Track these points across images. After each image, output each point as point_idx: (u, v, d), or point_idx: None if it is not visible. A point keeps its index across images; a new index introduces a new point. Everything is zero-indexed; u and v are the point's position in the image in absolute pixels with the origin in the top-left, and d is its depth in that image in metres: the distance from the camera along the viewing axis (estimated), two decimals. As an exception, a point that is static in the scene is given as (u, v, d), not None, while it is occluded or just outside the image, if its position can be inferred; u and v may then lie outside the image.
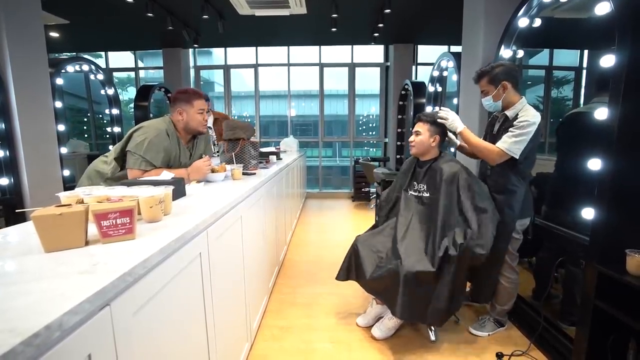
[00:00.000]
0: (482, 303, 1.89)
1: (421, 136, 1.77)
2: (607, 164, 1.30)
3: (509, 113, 1.64)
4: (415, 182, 1.85)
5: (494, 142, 1.68)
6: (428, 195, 1.77)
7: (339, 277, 1.86)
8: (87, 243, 0.78)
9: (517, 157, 1.57)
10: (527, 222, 1.76)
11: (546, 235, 1.86)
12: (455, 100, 3.17)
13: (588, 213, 1.45)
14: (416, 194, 1.83)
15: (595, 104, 1.69)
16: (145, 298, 0.72)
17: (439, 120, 1.75)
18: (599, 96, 1.67)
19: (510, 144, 1.55)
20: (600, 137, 1.34)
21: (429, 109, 4.30)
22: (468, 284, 2.12)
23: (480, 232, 1.58)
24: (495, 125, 1.76)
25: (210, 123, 2.82)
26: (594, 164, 1.40)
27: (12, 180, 2.34)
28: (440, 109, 1.76)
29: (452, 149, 1.91)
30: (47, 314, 0.48)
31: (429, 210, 1.73)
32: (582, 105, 1.96)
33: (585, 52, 2.14)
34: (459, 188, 1.66)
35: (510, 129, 1.58)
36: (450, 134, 1.83)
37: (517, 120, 1.57)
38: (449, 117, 1.71)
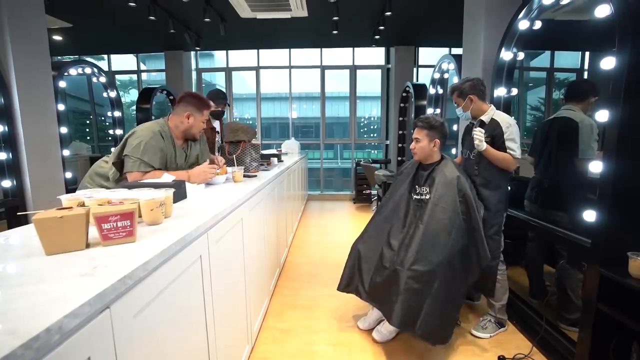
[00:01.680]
0: (488, 296, 1.89)
1: (421, 143, 1.78)
2: (608, 166, 1.29)
3: (484, 118, 1.83)
4: (417, 186, 1.86)
5: (473, 146, 1.81)
6: (429, 198, 1.77)
7: (339, 288, 1.91)
8: (88, 246, 0.79)
9: (520, 157, 1.77)
10: (505, 215, 1.88)
11: (544, 236, 1.89)
12: (456, 102, 3.17)
13: (589, 215, 1.44)
14: (418, 197, 1.83)
15: (563, 110, 1.88)
16: (145, 301, 0.72)
17: (476, 142, 1.76)
18: (568, 104, 1.87)
19: (518, 150, 1.75)
20: (571, 140, 1.54)
21: (429, 111, 4.30)
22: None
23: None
24: (473, 129, 1.86)
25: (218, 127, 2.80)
26: (595, 166, 1.40)
27: (15, 182, 2.35)
28: (476, 131, 1.79)
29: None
30: (47, 316, 0.48)
31: (430, 213, 1.73)
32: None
33: (587, 54, 2.14)
34: (466, 197, 1.68)
35: (506, 137, 1.75)
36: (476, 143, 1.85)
37: (503, 128, 1.75)
38: (482, 138, 1.78)
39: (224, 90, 4.20)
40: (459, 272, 1.63)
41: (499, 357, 1.66)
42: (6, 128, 2.30)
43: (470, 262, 1.68)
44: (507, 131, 1.73)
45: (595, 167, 1.40)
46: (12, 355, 0.41)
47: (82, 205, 0.89)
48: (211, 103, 1.76)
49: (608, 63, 1.33)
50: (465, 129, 2.01)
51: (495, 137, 1.76)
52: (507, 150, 1.74)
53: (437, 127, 1.77)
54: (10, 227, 2.31)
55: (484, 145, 1.76)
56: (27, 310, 0.50)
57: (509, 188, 1.89)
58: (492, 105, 1.87)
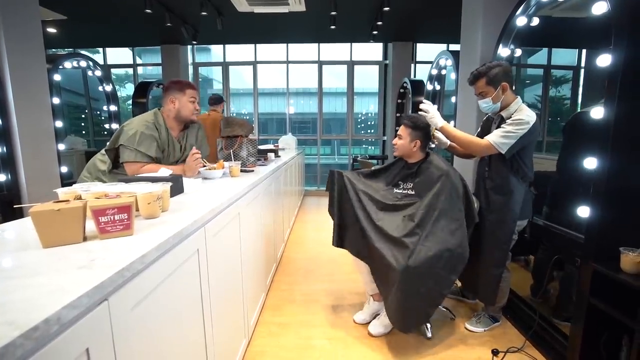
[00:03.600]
0: (488, 305, 1.88)
1: (402, 140, 1.80)
2: (602, 162, 1.31)
3: (505, 114, 1.63)
4: (401, 182, 1.87)
5: None
6: (413, 193, 1.78)
7: (335, 243, 1.93)
8: (85, 239, 0.79)
9: (503, 153, 1.57)
10: (525, 224, 1.77)
11: (546, 234, 1.87)
12: (453, 99, 3.18)
13: (583, 211, 1.46)
14: (401, 191, 1.84)
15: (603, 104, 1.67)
16: (143, 293, 0.73)
17: (420, 112, 1.76)
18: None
19: (498, 138, 1.55)
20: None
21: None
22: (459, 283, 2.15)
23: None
24: (492, 127, 1.75)
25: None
26: (590, 163, 1.41)
27: (9, 176, 2.33)
28: (423, 101, 1.76)
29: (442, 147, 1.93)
30: (46, 307, 0.48)
31: (411, 210, 1.74)
32: (586, 106, 1.96)
33: (584, 51, 2.15)
34: (453, 193, 1.66)
35: (503, 125, 1.59)
36: (440, 135, 1.83)
37: (511, 118, 1.58)
38: (430, 110, 1.70)
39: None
40: (443, 269, 1.61)
41: (492, 351, 1.69)
42: (0, 122, 2.27)
43: (456, 259, 1.64)
44: (509, 121, 1.55)
45: (590, 163, 1.42)
46: (11, 344, 0.41)
47: (79, 198, 0.88)
48: (194, 85, 1.78)
49: (604, 60, 1.34)
50: (483, 124, 1.87)
51: None
52: (489, 134, 1.56)
53: (421, 129, 1.76)
54: (5, 221, 2.29)
55: (437, 121, 1.61)
56: (26, 302, 0.50)
57: (532, 195, 1.72)
58: (519, 97, 1.62)
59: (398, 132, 1.83)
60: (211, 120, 3.34)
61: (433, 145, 1.89)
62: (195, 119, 1.81)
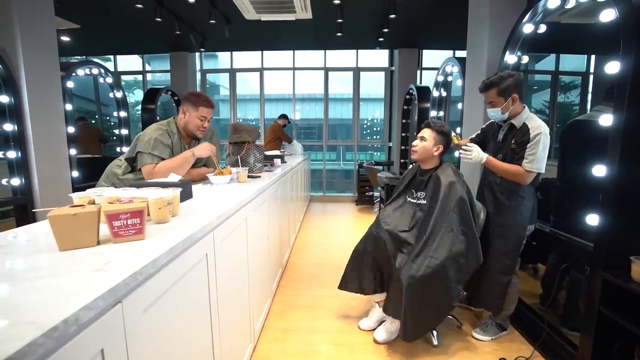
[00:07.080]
0: (495, 314, 1.85)
1: (425, 142, 1.78)
2: (611, 170, 1.30)
3: (516, 122, 1.66)
4: (414, 190, 1.87)
5: (499, 150, 1.73)
6: (425, 203, 1.78)
7: (340, 286, 1.95)
8: (98, 242, 0.81)
9: (544, 171, 1.61)
10: (532, 229, 1.77)
11: (555, 242, 1.85)
12: (459, 105, 3.18)
13: (592, 219, 1.45)
14: (415, 201, 1.85)
15: (596, 112, 1.67)
16: (154, 296, 0.74)
17: (461, 151, 1.73)
18: (603, 104, 1.65)
19: (535, 163, 1.57)
20: (602, 144, 1.36)
21: (433, 113, 4.31)
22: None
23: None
24: (500, 133, 1.76)
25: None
26: (598, 171, 1.40)
27: (23, 180, 2.38)
28: (461, 150, 1.72)
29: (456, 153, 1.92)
30: (64, 309, 0.50)
31: (424, 218, 1.74)
32: (587, 112, 1.97)
33: (592, 57, 2.14)
34: (460, 203, 1.66)
35: (529, 146, 1.58)
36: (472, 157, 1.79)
37: (531, 136, 1.58)
38: (472, 153, 1.68)
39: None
40: (450, 279, 1.61)
41: (500, 360, 1.66)
42: (16, 127, 2.33)
43: (461, 269, 1.63)
44: (533, 140, 1.56)
45: (599, 171, 1.41)
46: (33, 343, 0.43)
47: (93, 203, 0.91)
48: (213, 102, 1.82)
49: (613, 67, 1.33)
50: (491, 130, 1.87)
51: (522, 144, 1.60)
52: (522, 161, 1.58)
53: (446, 134, 1.78)
54: (18, 224, 2.34)
55: (483, 156, 1.64)
56: (45, 303, 0.52)
57: (538, 198, 1.73)
58: (526, 107, 1.66)
59: (420, 135, 1.80)
60: (270, 126, 5.28)
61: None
62: (200, 136, 1.83)
